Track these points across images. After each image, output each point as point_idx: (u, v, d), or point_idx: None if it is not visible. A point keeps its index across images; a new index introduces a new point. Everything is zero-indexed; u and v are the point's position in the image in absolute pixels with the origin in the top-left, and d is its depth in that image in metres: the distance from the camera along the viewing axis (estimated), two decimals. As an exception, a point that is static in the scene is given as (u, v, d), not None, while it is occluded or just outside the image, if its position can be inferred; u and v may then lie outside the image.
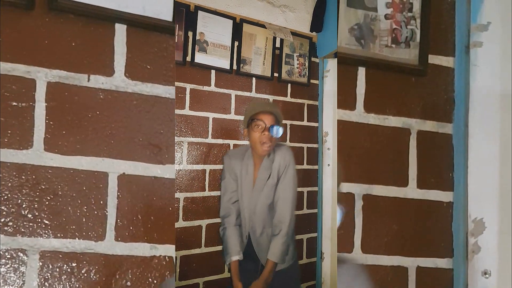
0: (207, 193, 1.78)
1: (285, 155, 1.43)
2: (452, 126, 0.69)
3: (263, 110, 1.41)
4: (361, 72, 0.65)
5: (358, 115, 0.66)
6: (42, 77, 0.56)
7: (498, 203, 0.64)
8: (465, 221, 0.65)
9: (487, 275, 0.63)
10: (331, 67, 2.09)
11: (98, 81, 0.59)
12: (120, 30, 0.60)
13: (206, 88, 1.76)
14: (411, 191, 0.68)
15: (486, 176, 0.64)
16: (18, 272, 0.55)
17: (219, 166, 1.81)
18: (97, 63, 0.59)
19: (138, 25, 0.60)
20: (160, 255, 0.62)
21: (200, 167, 1.76)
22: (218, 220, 1.79)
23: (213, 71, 1.77)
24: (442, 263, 0.68)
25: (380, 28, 0.64)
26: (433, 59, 0.68)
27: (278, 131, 1.37)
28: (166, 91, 0.62)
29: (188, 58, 1.69)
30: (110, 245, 0.60)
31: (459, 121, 0.68)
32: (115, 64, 0.60)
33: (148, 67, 0.61)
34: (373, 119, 0.67)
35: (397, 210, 0.67)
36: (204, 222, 1.77)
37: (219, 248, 1.79)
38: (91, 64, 0.59)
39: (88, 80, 0.59)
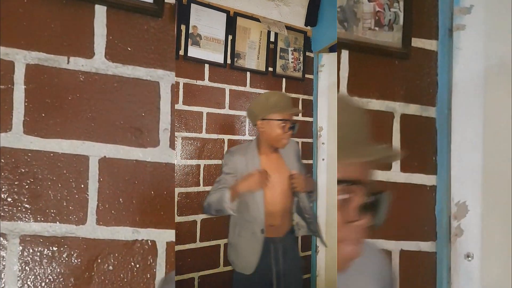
0: (201, 188, 1.78)
1: (296, 146, 1.62)
2: (436, 109, 0.69)
3: (290, 111, 1.44)
4: (344, 55, 0.65)
5: (341, 98, 0.66)
6: (21, 59, 0.56)
7: (481, 187, 0.64)
8: (448, 205, 0.64)
9: (470, 258, 0.62)
10: (326, 61, 2.08)
11: (78, 63, 0.59)
12: (100, 11, 0.60)
13: (199, 82, 1.76)
14: (395, 174, 0.68)
15: (469, 160, 0.64)
16: (-2, 256, 0.54)
17: (214, 161, 1.80)
18: (76, 45, 0.58)
19: (119, 6, 0.59)
20: (143, 239, 0.62)
21: (194, 162, 1.76)
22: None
23: (206, 65, 1.77)
24: (425, 246, 0.68)
25: (363, 10, 0.63)
26: (416, 42, 0.68)
27: (296, 128, 1.45)
28: (147, 73, 0.62)
29: (181, 52, 1.68)
30: (92, 229, 0.59)
31: (442, 105, 0.67)
32: (95, 46, 0.59)
33: (129, 49, 0.61)
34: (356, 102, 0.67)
35: (380, 194, 0.67)
36: (199, 217, 1.76)
37: (214, 242, 1.79)
38: (71, 46, 0.58)
39: (68, 62, 0.58)
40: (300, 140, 2.11)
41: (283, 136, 1.42)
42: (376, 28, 0.64)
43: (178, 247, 1.69)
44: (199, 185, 1.77)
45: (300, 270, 1.61)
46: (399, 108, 0.68)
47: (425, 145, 0.69)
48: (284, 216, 1.48)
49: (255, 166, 1.42)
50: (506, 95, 0.65)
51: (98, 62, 0.60)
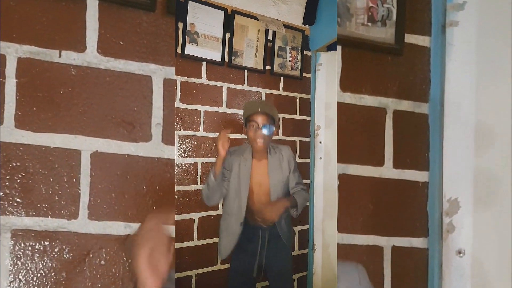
0: (199, 186, 1.78)
1: (290, 155, 1.68)
2: (428, 106, 0.69)
3: (255, 111, 1.55)
4: (337, 50, 0.65)
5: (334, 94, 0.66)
6: (13, 52, 0.56)
7: (473, 183, 0.64)
8: (440, 201, 0.64)
9: (461, 254, 0.62)
10: (323, 60, 2.08)
11: (69, 57, 0.59)
12: (92, 5, 0.59)
13: (197, 80, 1.75)
14: (387, 170, 0.68)
15: (461, 156, 0.64)
16: (-11, 250, 0.54)
17: (211, 159, 1.80)
18: (68, 38, 0.58)
19: (111, 0, 0.59)
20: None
21: (191, 160, 1.76)
22: (210, 213, 1.79)
23: (204, 63, 1.76)
24: (417, 242, 0.68)
25: (356, 6, 0.63)
26: (409, 38, 0.68)
27: (270, 129, 1.55)
28: (140, 67, 0.62)
29: (179, 50, 1.68)
30: (84, 224, 0.59)
31: (435, 101, 0.67)
32: (87, 40, 0.59)
33: (121, 43, 0.61)
34: (349, 98, 0.67)
35: (373, 190, 0.67)
36: (196, 215, 1.76)
37: (212, 240, 1.79)
38: (63, 40, 0.58)
39: (60, 56, 0.58)
40: (297, 138, 2.11)
41: (254, 137, 1.55)
42: (369, 24, 0.64)
43: (175, 245, 1.69)
44: (196, 183, 1.77)
45: (288, 255, 1.73)
46: (391, 104, 0.68)
47: (417, 141, 0.69)
48: None
49: (247, 168, 1.59)
50: (498, 92, 0.65)
51: (90, 56, 0.60)
